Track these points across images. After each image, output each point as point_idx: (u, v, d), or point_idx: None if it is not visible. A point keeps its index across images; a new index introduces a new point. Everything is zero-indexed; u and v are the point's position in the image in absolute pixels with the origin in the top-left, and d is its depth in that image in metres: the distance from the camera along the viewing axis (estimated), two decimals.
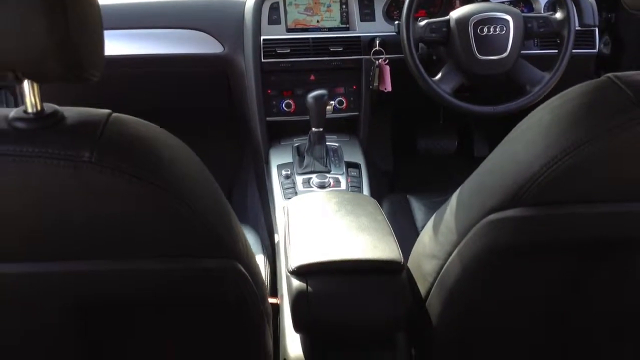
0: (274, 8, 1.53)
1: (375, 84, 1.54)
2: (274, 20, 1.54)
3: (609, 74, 0.66)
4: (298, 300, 0.81)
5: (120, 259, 0.57)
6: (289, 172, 1.42)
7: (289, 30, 1.55)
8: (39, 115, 0.53)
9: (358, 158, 1.51)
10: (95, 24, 0.53)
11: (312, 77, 1.56)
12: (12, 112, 0.54)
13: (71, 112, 0.55)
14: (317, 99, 1.39)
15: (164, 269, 0.58)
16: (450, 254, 0.78)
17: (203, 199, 0.58)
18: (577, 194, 0.65)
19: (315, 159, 1.44)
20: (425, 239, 0.88)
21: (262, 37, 1.51)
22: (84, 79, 0.53)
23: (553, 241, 0.70)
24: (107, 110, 0.56)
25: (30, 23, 0.48)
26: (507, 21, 1.41)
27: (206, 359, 0.71)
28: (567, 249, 0.71)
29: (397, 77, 1.53)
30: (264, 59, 1.51)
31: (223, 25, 1.55)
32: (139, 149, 0.54)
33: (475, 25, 1.40)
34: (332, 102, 1.53)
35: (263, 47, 1.51)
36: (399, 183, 1.81)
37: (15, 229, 0.54)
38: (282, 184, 1.40)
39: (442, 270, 0.81)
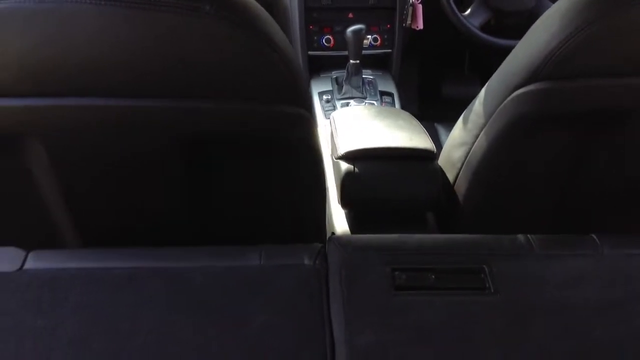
0: None
1: (409, 21, 1.67)
2: None
3: None
4: (347, 180, 0.98)
5: (220, 98, 0.73)
6: (329, 97, 1.58)
7: None
8: None
9: (391, 88, 1.66)
10: None
11: (351, 15, 1.70)
12: None
13: None
14: (356, 32, 1.53)
15: (253, 110, 0.74)
16: (477, 136, 0.93)
17: (290, 52, 0.73)
18: (587, 68, 0.80)
19: (353, 88, 1.59)
20: (455, 132, 1.03)
21: None
22: None
23: (567, 111, 0.84)
24: None
25: None
26: None
27: (276, 193, 0.87)
28: (578, 118, 0.85)
29: (429, 16, 1.67)
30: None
31: None
32: (246, 6, 0.70)
33: None
34: (369, 38, 1.68)
35: None
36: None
37: (137, 67, 0.70)
38: (323, 107, 1.55)
39: (469, 154, 0.96)
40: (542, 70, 0.80)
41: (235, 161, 0.82)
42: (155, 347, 0.64)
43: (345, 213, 1.07)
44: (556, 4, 0.84)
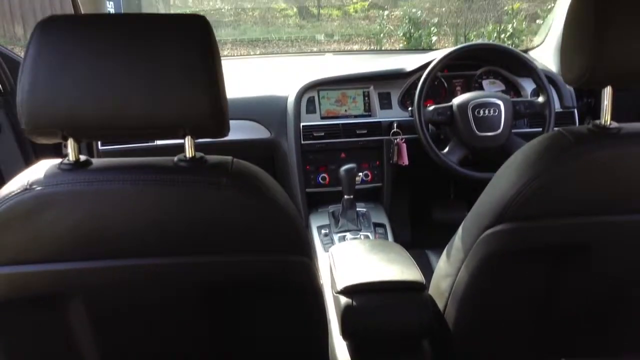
0: (310, 101, 1.91)
1: (395, 159, 1.87)
2: (310, 110, 1.91)
3: (559, 128, 0.98)
4: (346, 313, 1.09)
5: (234, 252, 0.87)
6: (327, 232, 1.73)
7: (323, 118, 1.92)
8: (193, 158, 0.86)
9: (383, 220, 1.82)
10: (225, 94, 0.86)
11: (343, 155, 1.91)
12: (176, 158, 0.86)
13: (211, 157, 0.88)
14: (348, 171, 1.72)
15: (262, 260, 0.88)
16: (459, 269, 1.07)
17: (292, 210, 0.89)
18: (545, 210, 0.95)
19: (348, 221, 1.75)
20: (441, 264, 1.17)
21: (302, 124, 1.88)
22: (223, 135, 0.86)
23: (532, 248, 0.99)
24: (229, 157, 0.89)
25: (197, 97, 0.81)
26: (499, 105, 1.76)
27: (285, 332, 0.98)
28: (544, 253, 0.99)
29: (412, 153, 1.87)
30: (303, 140, 1.87)
31: (270, 116, 1.92)
32: (253, 176, 0.86)
33: (473, 108, 1.76)
34: (360, 175, 1.87)
35: (302, 132, 1.87)
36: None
37: (166, 232, 0.85)
38: (322, 240, 1.70)
39: (454, 284, 1.10)
40: (506, 213, 0.96)
41: (247, 305, 0.95)
42: None
43: (347, 344, 1.18)
44: (513, 156, 1.02)
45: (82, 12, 1.63)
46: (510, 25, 5.81)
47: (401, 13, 7.01)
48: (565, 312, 1.06)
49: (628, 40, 0.87)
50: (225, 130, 0.86)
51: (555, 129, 0.99)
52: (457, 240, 1.10)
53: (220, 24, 7.46)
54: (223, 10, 7.78)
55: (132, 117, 0.81)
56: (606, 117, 0.96)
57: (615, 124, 0.96)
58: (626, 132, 0.96)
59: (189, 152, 0.86)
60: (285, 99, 1.95)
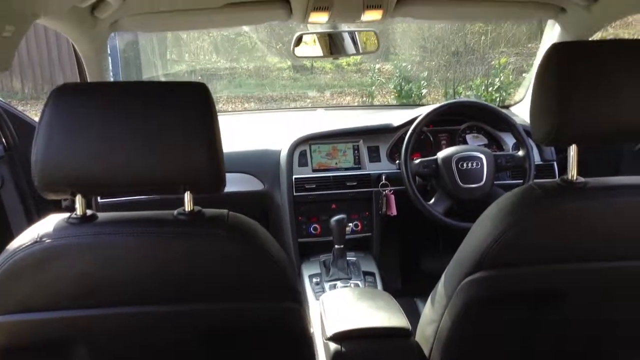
0: (303, 154, 2.01)
1: (384, 209, 1.96)
2: (302, 163, 2.00)
3: (531, 182, 1.07)
4: (336, 358, 1.15)
5: (230, 300, 0.94)
6: (318, 280, 1.79)
7: (314, 171, 2.01)
8: (192, 212, 0.94)
9: (373, 268, 1.89)
10: (222, 153, 0.94)
11: (334, 206, 1.99)
12: (175, 212, 0.94)
13: (208, 211, 0.96)
14: (339, 222, 1.80)
15: (257, 307, 0.95)
16: (442, 315, 1.14)
17: (284, 260, 0.96)
18: (520, 258, 1.03)
19: (338, 270, 1.81)
20: (426, 310, 1.24)
21: (294, 176, 1.97)
22: (220, 191, 0.94)
23: (510, 293, 1.06)
24: (225, 210, 0.97)
25: (196, 157, 0.89)
26: (481, 158, 1.86)
27: None
28: (522, 298, 1.06)
29: (400, 204, 1.95)
30: (295, 192, 1.95)
31: (264, 169, 2.01)
32: (248, 229, 0.94)
33: (457, 161, 1.85)
34: (350, 225, 1.94)
35: (295, 184, 1.96)
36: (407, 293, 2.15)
37: (166, 280, 0.92)
38: (313, 289, 1.76)
39: (438, 330, 1.16)
40: (484, 261, 1.03)
41: (243, 351, 1.00)
42: None
43: None
44: (489, 208, 1.10)
45: (87, 72, 1.74)
46: (497, 79, 6.03)
47: (392, 67, 7.26)
48: (545, 356, 1.12)
49: (588, 103, 0.97)
50: (222, 186, 0.94)
51: (529, 183, 1.08)
52: (440, 287, 1.17)
53: (216, 77, 7.68)
54: (219, 63, 8.02)
55: (136, 176, 0.89)
56: (572, 173, 1.04)
57: (581, 179, 1.05)
58: (591, 186, 1.05)
59: (188, 206, 0.94)
60: (279, 152, 2.04)
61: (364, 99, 7.03)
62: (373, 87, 7.01)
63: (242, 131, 2.22)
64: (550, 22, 1.82)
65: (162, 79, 6.20)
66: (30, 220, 1.55)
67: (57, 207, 1.73)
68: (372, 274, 1.85)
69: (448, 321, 1.12)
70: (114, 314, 0.94)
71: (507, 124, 1.92)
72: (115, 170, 0.89)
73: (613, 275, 1.05)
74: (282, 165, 2.00)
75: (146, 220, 0.95)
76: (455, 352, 1.15)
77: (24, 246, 0.90)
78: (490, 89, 6.01)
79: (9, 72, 6.64)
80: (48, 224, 0.93)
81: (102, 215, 0.96)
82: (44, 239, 0.90)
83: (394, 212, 1.95)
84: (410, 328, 1.20)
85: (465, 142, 2.09)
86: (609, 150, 1.96)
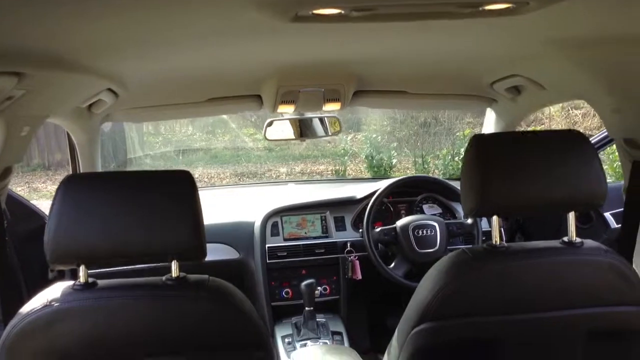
0: (275, 225, 2.26)
1: (350, 274, 2.19)
2: (274, 233, 2.24)
3: (463, 247, 1.31)
4: None
5: (213, 351, 1.14)
6: (290, 340, 1.99)
7: (286, 240, 2.25)
8: (177, 277, 1.16)
9: (340, 328, 2.10)
10: (203, 228, 1.17)
11: (304, 272, 2.22)
12: (164, 277, 1.16)
13: (191, 276, 1.17)
14: (308, 286, 2.03)
15: (234, 357, 1.15)
16: None
17: (256, 317, 1.17)
18: (454, 311, 1.25)
19: (309, 330, 2.02)
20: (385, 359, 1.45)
21: (267, 245, 2.20)
22: (201, 259, 1.16)
23: (448, 341, 1.27)
24: (206, 276, 1.19)
25: (182, 232, 1.12)
26: (435, 226, 2.13)
27: None
28: (460, 348, 1.28)
29: (365, 268, 2.19)
30: (268, 260, 2.18)
31: (239, 239, 2.24)
32: (225, 291, 1.16)
33: (414, 229, 2.12)
34: (319, 289, 2.17)
35: (268, 252, 2.19)
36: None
37: (158, 336, 1.12)
38: (285, 348, 1.95)
39: None
40: (427, 314, 1.26)
41: None
42: None
43: None
44: (430, 269, 1.33)
45: (79, 156, 1.98)
46: (462, 149, 6.44)
47: (364, 137, 7.66)
48: None
49: (504, 182, 1.23)
50: (203, 255, 1.17)
51: (461, 247, 1.32)
52: (394, 340, 1.39)
53: (192, 149, 7.96)
54: (195, 136, 8.32)
55: (132, 249, 1.12)
56: (496, 239, 1.30)
57: (504, 244, 1.30)
58: (512, 250, 1.30)
59: (174, 272, 1.16)
60: (252, 224, 2.28)
61: (337, 167, 7.37)
62: (346, 157, 7.35)
63: (219, 204, 2.46)
64: (488, 109, 2.15)
65: (140, 154, 6.46)
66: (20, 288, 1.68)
67: (44, 279, 1.90)
68: (339, 334, 2.06)
69: None
70: None
71: (455, 194, 2.21)
72: (114, 245, 1.10)
73: (532, 324, 1.28)
74: (255, 235, 2.24)
75: (139, 285, 1.17)
76: None
77: (35, 309, 1.10)
78: (456, 158, 6.40)
79: None
80: (56, 290, 1.14)
81: (101, 282, 1.18)
82: (52, 303, 1.10)
83: (359, 276, 2.18)
84: None
85: (422, 211, 2.36)
86: (550, 218, 2.25)
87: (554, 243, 1.32)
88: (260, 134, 8.25)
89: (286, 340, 2.00)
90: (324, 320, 2.13)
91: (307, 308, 2.04)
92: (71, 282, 1.16)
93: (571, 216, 1.29)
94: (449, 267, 1.28)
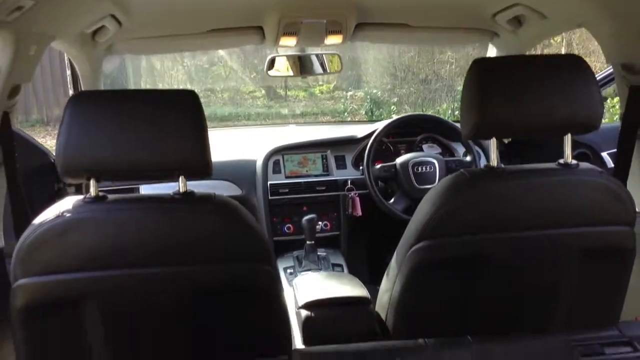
0: (276, 163, 2.30)
1: (350, 210, 2.24)
2: (276, 171, 2.29)
3: (462, 169, 1.35)
4: (306, 324, 1.41)
5: (218, 262, 1.19)
6: (292, 271, 2.06)
7: (287, 177, 2.30)
8: (185, 192, 1.20)
9: (341, 261, 2.17)
10: (209, 145, 1.21)
11: (305, 208, 2.27)
12: (172, 192, 1.20)
13: (198, 192, 1.21)
14: (309, 220, 2.08)
15: (240, 268, 1.21)
16: (394, 282, 1.41)
17: (262, 230, 1.22)
18: (451, 230, 1.30)
19: (310, 262, 2.08)
20: (382, 283, 1.51)
21: (269, 182, 2.25)
22: (208, 175, 1.20)
23: (445, 259, 1.33)
24: (212, 192, 1.23)
25: (188, 147, 1.15)
26: (434, 163, 2.17)
27: (257, 325, 1.28)
28: (455, 264, 1.33)
29: (365, 205, 2.24)
30: (270, 196, 2.23)
31: (242, 176, 2.28)
32: (231, 205, 1.20)
33: (413, 166, 2.16)
34: (320, 224, 2.22)
35: (270, 189, 2.24)
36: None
37: (165, 246, 1.16)
38: (287, 278, 2.02)
39: (392, 296, 1.42)
40: (425, 233, 1.31)
41: (229, 306, 1.25)
42: None
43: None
44: (429, 191, 1.38)
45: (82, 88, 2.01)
46: None
47: (364, 94, 7.65)
48: (476, 313, 1.38)
49: (503, 103, 1.27)
50: (209, 172, 1.20)
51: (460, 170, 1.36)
52: (393, 260, 1.45)
53: None
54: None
55: (140, 164, 1.15)
56: (494, 161, 1.34)
57: (502, 166, 1.35)
58: (509, 171, 1.35)
59: (182, 188, 1.21)
60: (254, 162, 2.33)
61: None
62: (345, 113, 7.35)
63: (221, 144, 2.49)
64: (490, 45, 2.16)
65: None
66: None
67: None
68: (340, 265, 2.13)
69: (399, 287, 1.39)
70: (121, 275, 1.16)
71: (456, 133, 2.24)
72: (123, 159, 1.14)
73: (526, 243, 1.33)
74: (258, 173, 2.28)
75: (148, 199, 1.21)
76: (404, 313, 1.41)
77: (48, 220, 1.15)
78: (456, 112, 6.41)
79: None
80: (67, 203, 1.19)
81: (111, 197, 1.22)
82: (64, 214, 1.15)
83: (359, 212, 2.24)
84: (370, 298, 1.47)
85: (421, 150, 2.40)
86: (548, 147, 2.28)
87: (551, 165, 1.36)
88: (259, 92, 8.24)
89: (288, 271, 2.07)
90: (324, 253, 2.19)
91: (308, 242, 2.10)
92: (82, 196, 1.20)
93: (568, 139, 1.33)
94: (447, 188, 1.32)
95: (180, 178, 1.20)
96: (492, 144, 1.35)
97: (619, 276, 1.39)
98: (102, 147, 1.13)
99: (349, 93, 7.82)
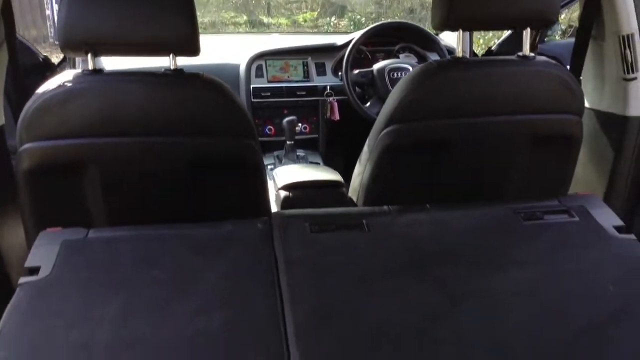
0: (259, 67, 2.41)
1: (328, 114, 2.37)
2: (259, 75, 2.40)
3: (432, 60, 1.48)
4: (285, 204, 1.56)
5: (209, 135, 1.32)
6: (272, 167, 2.21)
7: (269, 82, 2.41)
8: (175, 70, 1.31)
9: (319, 160, 2.32)
10: (198, 26, 1.31)
11: (286, 111, 2.40)
12: (163, 68, 1.31)
13: (185, 71, 1.33)
14: (290, 122, 2.21)
15: (228, 141, 1.34)
16: (366, 166, 1.55)
17: (246, 108, 1.34)
18: (417, 115, 1.44)
19: (289, 160, 2.23)
20: (355, 168, 1.65)
21: (252, 86, 2.36)
22: (196, 54, 1.31)
23: (412, 141, 1.47)
24: (201, 72, 1.35)
25: (179, 25, 1.26)
26: (409, 69, 2.29)
27: (240, 192, 1.43)
28: (422, 146, 1.47)
29: (343, 111, 2.37)
30: (253, 99, 2.35)
31: (225, 79, 2.34)
32: (218, 83, 1.32)
33: (389, 72, 2.29)
34: (299, 125, 2.36)
35: (252, 92, 2.36)
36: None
37: (160, 117, 1.29)
38: (267, 173, 2.16)
39: (363, 179, 1.57)
40: (394, 118, 1.45)
41: (215, 179, 1.39)
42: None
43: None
44: (401, 80, 1.50)
45: None
46: None
47: (347, 21, 7.61)
48: (442, 190, 1.54)
49: None
50: (197, 51, 1.30)
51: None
52: (365, 146, 1.59)
53: None
54: None
55: (135, 38, 1.26)
56: (460, 52, 1.47)
57: (467, 57, 1.47)
58: (473, 61, 1.48)
59: (172, 65, 1.32)
60: (238, 66, 2.43)
61: None
62: None
63: (204, 48, 2.56)
64: None
65: None
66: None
67: None
68: (317, 164, 2.27)
69: (369, 170, 1.53)
70: (120, 142, 1.29)
71: (431, 41, 2.36)
72: (120, 32, 1.25)
73: (485, 127, 1.47)
74: (241, 76, 2.39)
75: (142, 73, 1.32)
76: (374, 194, 1.56)
77: (51, 89, 1.26)
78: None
79: None
80: (67, 75, 1.30)
81: (107, 70, 1.33)
82: (65, 84, 1.27)
83: (337, 116, 2.37)
84: (343, 182, 1.62)
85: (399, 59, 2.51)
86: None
87: (511, 57, 1.50)
88: (241, 17, 8.12)
89: (269, 167, 2.21)
90: (303, 153, 2.34)
91: (288, 142, 2.24)
92: (80, 70, 1.31)
93: (527, 33, 1.46)
94: (416, 76, 1.45)
95: (171, 55, 1.31)
96: (459, 36, 1.47)
97: (566, 161, 1.56)
98: (102, 20, 1.22)
99: (333, 20, 7.78)
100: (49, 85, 1.28)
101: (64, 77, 1.30)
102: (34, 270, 1.03)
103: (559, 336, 0.91)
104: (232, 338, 0.91)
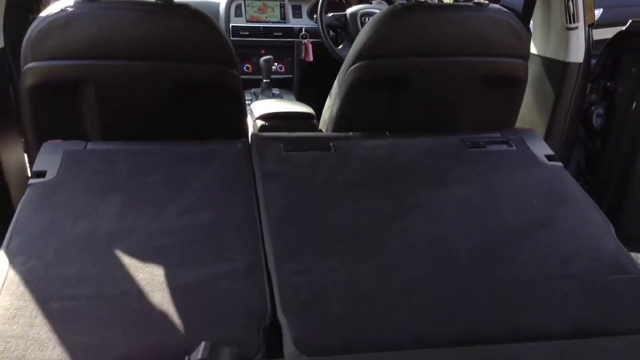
0: (238, 7, 2.52)
1: (302, 55, 2.51)
2: (238, 14, 2.51)
3: (397, 2, 1.62)
4: (261, 130, 1.72)
5: (194, 61, 1.47)
6: (249, 103, 2.34)
7: (248, 21, 2.52)
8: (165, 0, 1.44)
9: (292, 99, 2.46)
10: None
11: (263, 51, 2.53)
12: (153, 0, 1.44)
13: (174, 1, 1.46)
14: (266, 60, 2.35)
15: (212, 68, 1.48)
16: (335, 100, 1.71)
17: (229, 39, 1.48)
18: (384, 52, 1.59)
19: (265, 97, 2.37)
20: (326, 102, 1.80)
21: (231, 24, 2.47)
22: None
23: (378, 78, 1.62)
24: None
25: None
26: None
27: (221, 116, 1.58)
28: (386, 81, 1.62)
29: (317, 54, 2.51)
30: (232, 37, 2.46)
31: None
32: (205, 14, 1.46)
33: (361, 16, 2.42)
34: (275, 65, 2.49)
35: (231, 30, 2.47)
36: None
37: (150, 42, 1.42)
38: None
39: (332, 112, 1.73)
40: (362, 54, 1.60)
41: (198, 102, 1.54)
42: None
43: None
44: (369, 20, 1.65)
45: None
46: None
47: None
48: (401, 122, 1.71)
49: None
50: None
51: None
52: (335, 82, 1.74)
53: None
54: None
55: None
56: None
57: (429, 1, 1.62)
58: (433, 5, 1.63)
59: None
60: (218, 4, 2.53)
61: None
62: None
63: None
64: None
65: None
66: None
67: None
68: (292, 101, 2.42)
69: (338, 103, 1.69)
70: (113, 64, 1.43)
71: None
72: None
73: (441, 67, 1.62)
74: (221, 14, 2.50)
75: (135, 1, 1.45)
76: (342, 125, 1.73)
77: (53, 13, 1.39)
78: None
79: None
80: (68, 1, 1.41)
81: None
82: (67, 9, 1.39)
83: (311, 58, 2.51)
84: (314, 113, 1.78)
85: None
86: None
87: (467, 3, 1.66)
88: None
89: (246, 102, 2.35)
90: (278, 92, 2.48)
91: (264, 80, 2.38)
92: None
93: None
94: (382, 16, 1.60)
95: None
96: None
97: (511, 101, 1.74)
98: None
99: None
100: (51, 9, 1.40)
101: (65, 2, 1.41)
102: (40, 174, 1.18)
103: (489, 237, 1.11)
104: (216, 233, 1.08)
